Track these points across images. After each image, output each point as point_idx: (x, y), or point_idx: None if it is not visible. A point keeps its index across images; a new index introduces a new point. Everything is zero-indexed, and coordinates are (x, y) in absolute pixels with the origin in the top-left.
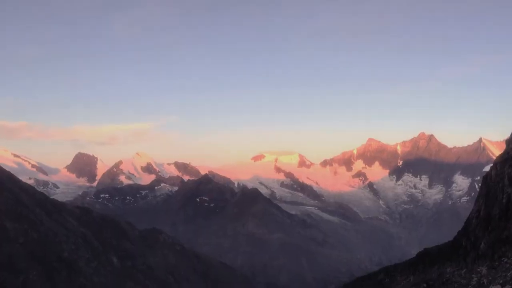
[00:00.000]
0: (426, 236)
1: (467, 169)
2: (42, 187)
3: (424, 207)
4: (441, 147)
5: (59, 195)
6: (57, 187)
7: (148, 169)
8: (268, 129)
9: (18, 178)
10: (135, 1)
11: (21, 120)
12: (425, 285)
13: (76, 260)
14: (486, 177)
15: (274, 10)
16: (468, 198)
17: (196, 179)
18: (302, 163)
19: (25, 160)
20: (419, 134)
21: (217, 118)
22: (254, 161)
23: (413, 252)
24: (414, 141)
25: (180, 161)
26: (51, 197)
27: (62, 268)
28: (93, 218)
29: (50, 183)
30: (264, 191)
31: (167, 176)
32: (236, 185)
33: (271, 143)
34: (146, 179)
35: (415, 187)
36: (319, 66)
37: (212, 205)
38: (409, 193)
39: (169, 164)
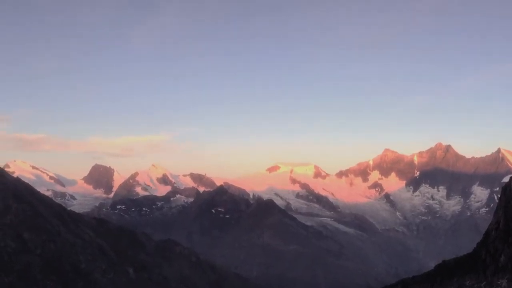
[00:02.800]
0: (444, 248)
1: (486, 179)
2: (59, 198)
3: (442, 219)
4: (459, 157)
5: (76, 207)
6: (74, 199)
7: (164, 180)
8: (283, 140)
9: (36, 190)
10: (152, 14)
11: (40, 132)
12: None
13: (92, 271)
14: (505, 188)
15: (292, 22)
16: (487, 209)
17: (211, 190)
18: (318, 174)
19: (43, 172)
20: (436, 145)
21: (232, 129)
22: (269, 172)
23: (431, 264)
24: (431, 152)
25: (195, 172)
26: (69, 208)
27: (79, 279)
28: (109, 229)
29: (68, 195)
30: (279, 202)
31: (182, 188)
32: (251, 196)
33: (286, 154)
34: (161, 191)
35: (432, 198)
36: (335, 77)
37: (227, 216)
38: (426, 204)
39: (184, 175)
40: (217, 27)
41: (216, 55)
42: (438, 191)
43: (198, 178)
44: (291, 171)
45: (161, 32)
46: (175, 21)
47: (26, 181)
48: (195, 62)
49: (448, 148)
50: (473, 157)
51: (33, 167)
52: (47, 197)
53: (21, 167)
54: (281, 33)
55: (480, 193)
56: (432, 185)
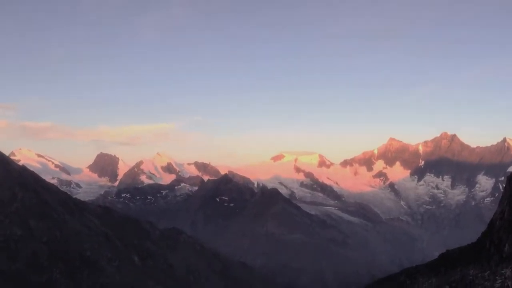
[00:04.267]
0: (449, 238)
1: (491, 169)
2: (65, 186)
3: (447, 208)
4: (464, 147)
5: (82, 195)
6: (80, 187)
7: (169, 169)
8: (288, 129)
9: (41, 178)
10: (158, 3)
11: (46, 121)
12: (447, 287)
13: (98, 259)
14: (511, 178)
15: (295, 13)
16: (491, 199)
17: (216, 179)
18: (322, 163)
19: (49, 160)
20: (442, 134)
21: (237, 118)
22: (274, 161)
23: (435, 254)
24: (436, 141)
25: (200, 161)
26: (74, 197)
27: (85, 267)
28: (114, 217)
29: (73, 183)
30: (283, 191)
31: (187, 176)
32: (255, 185)
33: (290, 143)
34: (166, 179)
35: (437, 187)
36: (340, 68)
37: (231, 205)
38: (431, 193)
39: (189, 164)
40: (224, 17)
41: (221, 45)
42: (443, 180)
43: (202, 166)
44: (296, 160)
45: (167, 21)
46: (182, 11)
47: (32, 169)
48: (201, 52)
49: (453, 137)
50: (478, 147)
51: (39, 155)
52: (52, 185)
53: (27, 155)
54: (286, 25)
55: (485, 183)
56: (437, 175)
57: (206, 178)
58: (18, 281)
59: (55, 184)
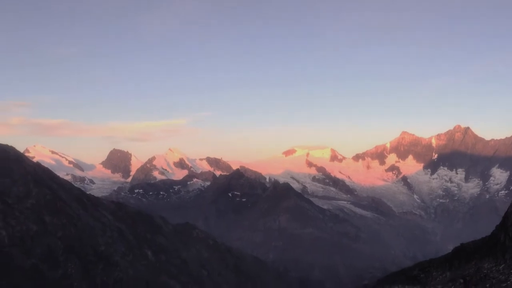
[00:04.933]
0: (463, 231)
1: (505, 162)
2: (78, 182)
3: (461, 202)
4: (478, 139)
5: (95, 191)
6: (93, 183)
7: (181, 164)
8: (300, 124)
9: (56, 174)
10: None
11: (59, 118)
12: (462, 280)
13: (112, 254)
14: None
15: (307, 6)
16: (506, 192)
17: (228, 174)
18: (334, 157)
19: (62, 157)
20: (455, 127)
21: (248, 113)
22: (286, 156)
23: (449, 248)
24: (450, 134)
25: (212, 156)
26: (88, 193)
27: (99, 262)
28: (128, 213)
29: (87, 179)
30: (295, 185)
31: (199, 172)
32: (267, 179)
33: (302, 138)
34: (178, 175)
35: (450, 181)
36: (352, 61)
37: (243, 200)
38: (444, 187)
39: (201, 159)
40: (234, 12)
41: (233, 39)
42: (457, 173)
43: (214, 162)
44: (308, 155)
45: (177, 17)
46: (191, 5)
47: (46, 165)
48: (211, 47)
49: (467, 130)
50: (492, 139)
51: (53, 152)
52: (66, 181)
53: (41, 152)
54: (296, 18)
55: (499, 176)
56: (451, 168)
57: (218, 173)
58: (34, 276)
59: (69, 180)
